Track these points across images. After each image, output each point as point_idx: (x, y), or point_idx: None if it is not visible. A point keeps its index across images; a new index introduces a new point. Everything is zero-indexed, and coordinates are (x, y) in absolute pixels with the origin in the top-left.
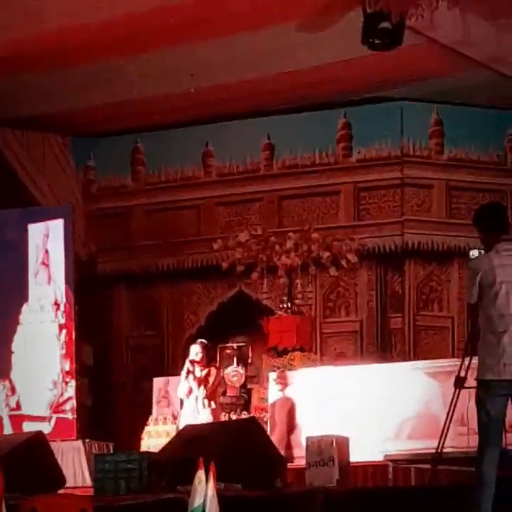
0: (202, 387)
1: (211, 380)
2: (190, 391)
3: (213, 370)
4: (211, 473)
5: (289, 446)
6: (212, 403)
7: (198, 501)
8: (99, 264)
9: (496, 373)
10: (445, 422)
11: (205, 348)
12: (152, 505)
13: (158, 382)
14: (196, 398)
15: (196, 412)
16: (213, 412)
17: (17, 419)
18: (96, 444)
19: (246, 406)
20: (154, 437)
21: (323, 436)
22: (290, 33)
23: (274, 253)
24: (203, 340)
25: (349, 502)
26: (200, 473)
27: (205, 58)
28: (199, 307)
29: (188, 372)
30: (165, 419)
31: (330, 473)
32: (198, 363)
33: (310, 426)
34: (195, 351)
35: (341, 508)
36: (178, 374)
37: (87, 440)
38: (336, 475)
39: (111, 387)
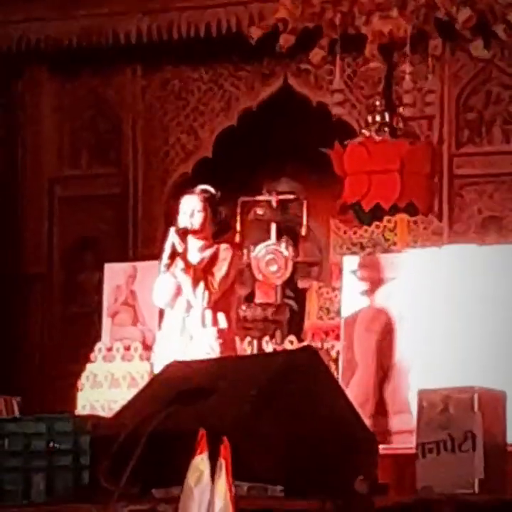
0: (201, 284)
1: (221, 269)
2: (179, 292)
3: (226, 251)
4: (222, 462)
5: (382, 411)
6: (222, 317)
7: None
8: None
9: None
10: None
11: (209, 204)
12: None
13: (114, 272)
14: (189, 307)
15: (188, 335)
16: (223, 335)
17: None
18: None
19: (294, 325)
20: (105, 387)
21: (450, 389)
22: None
23: (358, 10)
24: (206, 186)
25: None
26: (200, 462)
27: None
28: (201, 119)
29: (175, 253)
30: (127, 349)
31: (466, 466)
32: (195, 233)
33: (425, 369)
34: (191, 209)
35: None
36: (154, 257)
37: None
38: (478, 471)
39: (17, 285)
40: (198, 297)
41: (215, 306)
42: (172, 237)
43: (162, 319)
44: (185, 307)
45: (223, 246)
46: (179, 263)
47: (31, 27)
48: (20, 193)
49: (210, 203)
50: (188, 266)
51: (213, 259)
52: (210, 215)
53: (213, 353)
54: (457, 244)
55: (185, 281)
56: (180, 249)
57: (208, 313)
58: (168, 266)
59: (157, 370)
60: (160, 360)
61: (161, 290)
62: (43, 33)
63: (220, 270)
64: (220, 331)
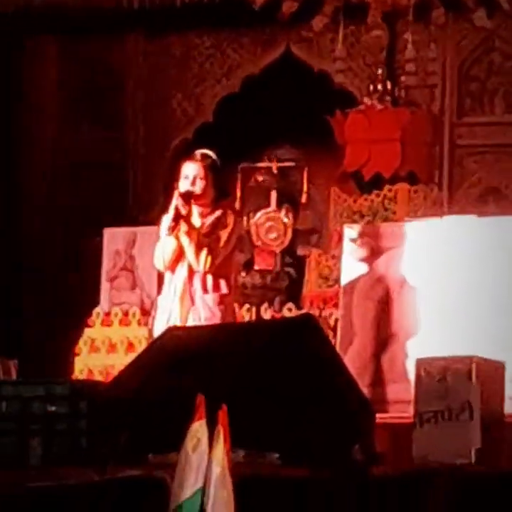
0: (204, 251)
1: (223, 235)
2: (180, 257)
3: (229, 216)
4: (220, 429)
5: (378, 380)
6: (223, 283)
7: (192, 485)
8: None
9: None
10: None
11: (210, 170)
12: (97, 490)
13: (113, 237)
14: (190, 271)
15: (188, 300)
16: (225, 300)
17: None
18: None
19: (292, 293)
20: (102, 352)
21: (448, 358)
22: None
23: None
24: (206, 151)
25: (504, 496)
26: (199, 428)
27: None
28: (203, 85)
29: (177, 217)
30: (126, 314)
31: (463, 436)
32: (196, 198)
33: (423, 338)
34: (192, 174)
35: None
36: (154, 222)
37: None
38: (475, 441)
39: (16, 248)
40: (201, 261)
41: (217, 271)
42: (176, 200)
43: (161, 284)
44: (186, 272)
45: (227, 213)
46: (182, 226)
47: None
48: (21, 158)
49: (211, 169)
50: (191, 229)
51: (216, 224)
52: (212, 182)
53: (214, 319)
54: (457, 215)
55: (188, 244)
56: (183, 212)
57: (209, 279)
58: (172, 229)
59: (156, 334)
60: (160, 325)
61: (162, 252)
62: None
63: (223, 236)
64: (222, 297)
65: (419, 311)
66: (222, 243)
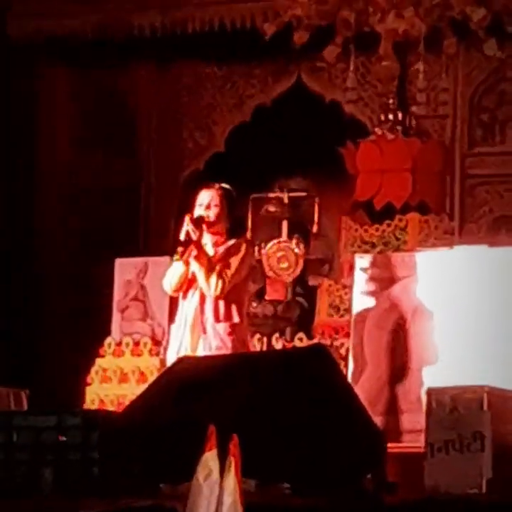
0: (214, 277)
1: (234, 261)
2: (191, 284)
3: (241, 244)
4: (231, 460)
5: (393, 409)
6: (235, 311)
7: None
8: (12, 22)
9: None
10: None
11: (226, 198)
12: None
13: (125, 267)
14: (201, 299)
15: (200, 329)
16: (235, 330)
17: None
18: None
19: (303, 322)
20: (114, 382)
21: (459, 387)
22: None
23: (373, 8)
24: (224, 184)
25: None
26: (210, 459)
27: None
28: (214, 115)
29: (188, 242)
30: (137, 344)
31: (475, 466)
32: (209, 225)
33: (435, 367)
34: (207, 200)
35: None
36: (165, 252)
37: None
38: (486, 471)
39: (28, 278)
40: (211, 285)
41: (228, 300)
42: (187, 225)
43: (173, 314)
44: (198, 298)
45: (239, 240)
46: (194, 252)
47: (47, 21)
48: (34, 184)
49: (226, 198)
50: (201, 253)
51: (228, 251)
52: (226, 212)
53: (225, 348)
54: (468, 246)
55: (199, 269)
56: (194, 236)
57: (221, 305)
58: (182, 253)
59: (169, 362)
60: (171, 354)
61: (171, 276)
62: (58, 26)
63: (234, 264)
64: (233, 326)
65: (433, 340)
66: (233, 269)
